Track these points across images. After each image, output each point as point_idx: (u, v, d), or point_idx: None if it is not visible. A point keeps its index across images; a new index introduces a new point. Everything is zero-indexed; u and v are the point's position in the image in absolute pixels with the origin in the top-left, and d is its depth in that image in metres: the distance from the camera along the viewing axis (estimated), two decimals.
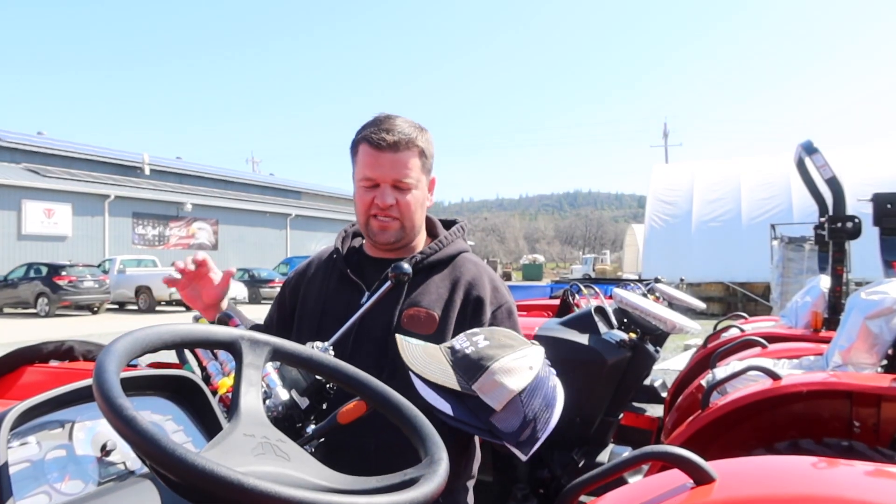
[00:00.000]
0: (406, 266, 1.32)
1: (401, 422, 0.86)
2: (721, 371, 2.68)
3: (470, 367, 1.06)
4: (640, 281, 6.30)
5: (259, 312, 2.40)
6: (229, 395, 1.08)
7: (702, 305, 4.50)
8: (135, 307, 20.81)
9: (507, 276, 52.85)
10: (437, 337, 1.44)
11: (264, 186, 38.63)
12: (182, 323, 0.78)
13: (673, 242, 18.19)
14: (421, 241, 1.61)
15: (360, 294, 1.50)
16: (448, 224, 1.68)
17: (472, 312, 1.47)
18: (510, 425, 1.01)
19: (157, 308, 20.40)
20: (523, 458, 1.02)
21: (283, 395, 1.10)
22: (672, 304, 4.51)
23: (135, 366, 1.24)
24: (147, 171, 31.64)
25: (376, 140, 1.44)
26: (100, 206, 25.72)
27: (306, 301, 1.55)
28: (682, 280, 7.67)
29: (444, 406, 1.02)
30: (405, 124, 1.48)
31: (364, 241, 1.64)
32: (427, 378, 1.03)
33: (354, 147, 1.52)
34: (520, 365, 1.05)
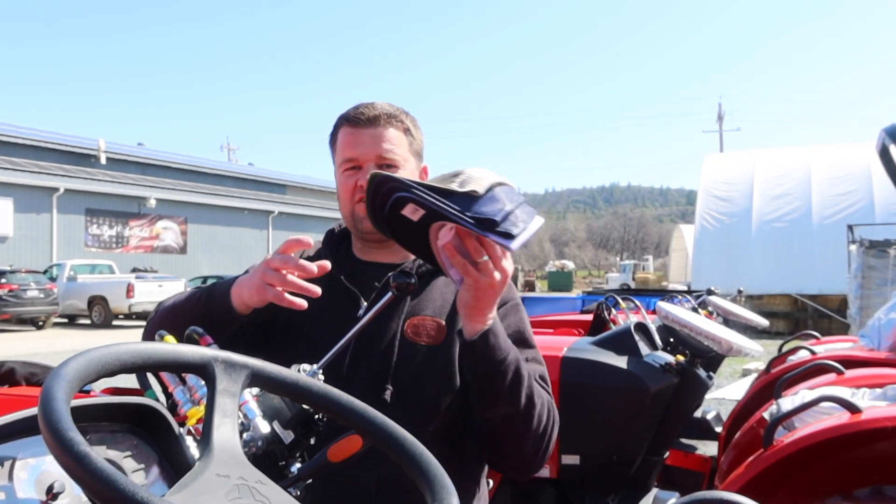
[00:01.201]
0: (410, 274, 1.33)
1: (403, 460, 0.86)
2: (788, 402, 2.66)
3: (447, 176, 1.26)
4: (689, 293, 6.28)
5: None
6: (200, 426, 1.08)
7: (764, 322, 4.48)
8: (87, 321, 20.96)
9: (529, 286, 52.87)
10: (445, 347, 1.49)
11: (242, 178, 38.83)
12: (145, 342, 0.78)
13: (729, 246, 18.12)
14: None
15: (355, 305, 1.52)
16: None
17: None
18: (492, 211, 1.17)
19: (114, 322, 20.53)
20: (510, 247, 1.18)
21: (264, 427, 1.10)
22: (728, 321, 4.49)
23: (88, 392, 1.25)
24: (103, 160, 31.89)
25: (354, 116, 1.54)
26: (47, 202, 25.96)
27: (293, 311, 1.56)
28: (740, 292, 7.64)
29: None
30: (386, 105, 1.58)
31: (353, 244, 1.67)
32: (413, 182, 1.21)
33: (333, 136, 1.61)
34: (495, 174, 1.26)
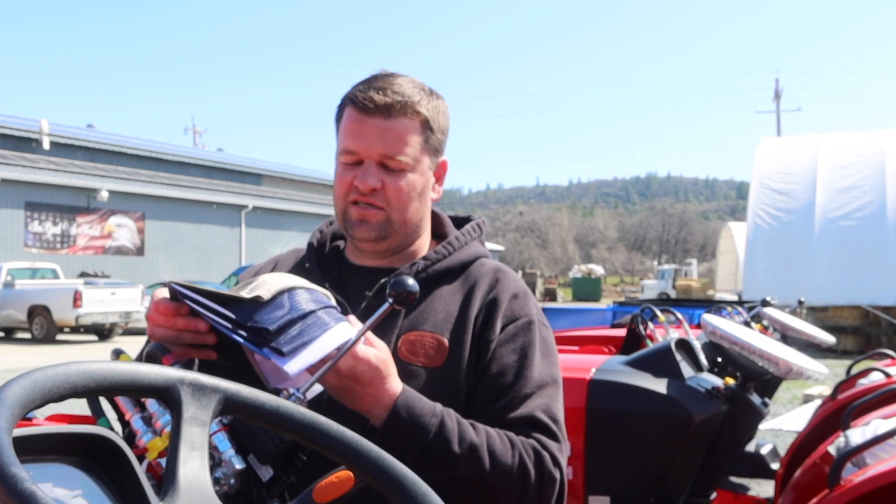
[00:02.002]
0: (411, 282, 1.32)
1: (402, 501, 0.86)
2: (857, 434, 2.66)
3: (245, 284, 1.33)
4: (740, 303, 6.28)
5: None
6: (162, 461, 1.09)
7: (830, 339, 4.48)
8: (27, 335, 20.99)
9: (550, 295, 52.83)
10: (447, 370, 1.49)
11: (210, 167, 38.89)
12: (97, 360, 0.78)
13: (787, 249, 18.08)
14: (424, 246, 1.66)
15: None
16: (461, 222, 1.72)
17: (481, 326, 1.53)
18: (271, 319, 1.23)
19: (59, 336, 20.56)
20: (284, 369, 1.19)
21: (238, 462, 1.10)
22: (787, 338, 4.48)
23: (30, 419, 1.25)
24: (46, 145, 31.97)
25: (362, 100, 1.50)
26: None
27: None
28: (800, 303, 7.60)
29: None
30: (407, 84, 1.53)
31: (346, 245, 1.68)
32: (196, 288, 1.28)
33: (339, 112, 1.58)
34: (292, 277, 1.35)
